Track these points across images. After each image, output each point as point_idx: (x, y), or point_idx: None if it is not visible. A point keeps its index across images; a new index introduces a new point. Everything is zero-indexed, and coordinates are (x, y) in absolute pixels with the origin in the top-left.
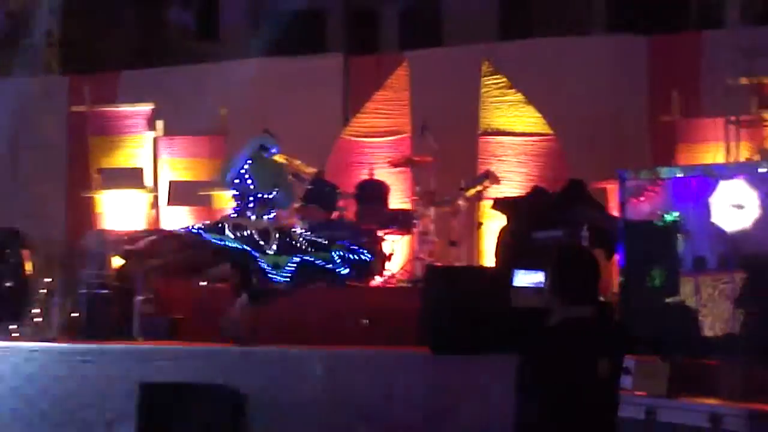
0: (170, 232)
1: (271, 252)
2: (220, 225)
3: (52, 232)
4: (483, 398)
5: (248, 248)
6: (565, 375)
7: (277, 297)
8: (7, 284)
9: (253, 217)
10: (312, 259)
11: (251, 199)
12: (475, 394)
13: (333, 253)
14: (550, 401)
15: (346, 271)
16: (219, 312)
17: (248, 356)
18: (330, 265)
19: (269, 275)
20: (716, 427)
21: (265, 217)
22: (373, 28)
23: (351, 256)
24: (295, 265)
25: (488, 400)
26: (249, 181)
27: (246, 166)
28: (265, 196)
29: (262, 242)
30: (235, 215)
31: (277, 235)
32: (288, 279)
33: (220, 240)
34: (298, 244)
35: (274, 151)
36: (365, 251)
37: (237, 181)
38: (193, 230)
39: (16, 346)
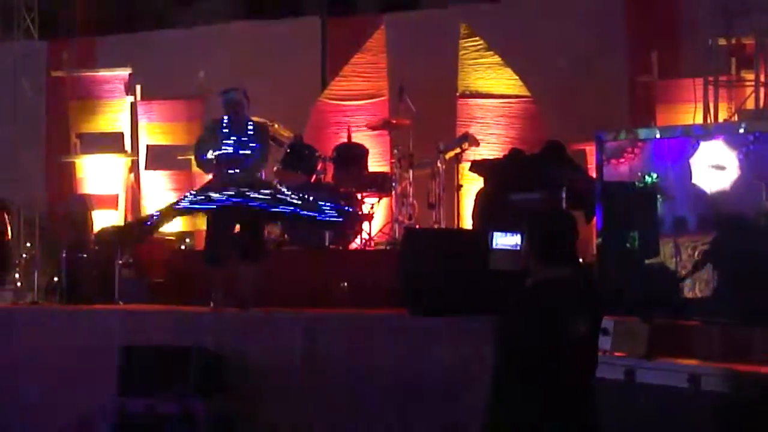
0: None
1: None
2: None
3: (33, 196)
4: (461, 360)
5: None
6: (543, 335)
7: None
8: None
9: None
10: (301, 210)
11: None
12: (453, 356)
13: (321, 204)
14: (528, 362)
15: (338, 219)
16: (196, 275)
17: (227, 319)
18: (319, 215)
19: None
20: (695, 387)
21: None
22: None
23: (339, 207)
24: (287, 213)
25: (466, 361)
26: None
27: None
28: (242, 152)
29: (251, 193)
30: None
31: (267, 190)
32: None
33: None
34: (287, 198)
35: (233, 96)
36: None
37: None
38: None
39: None
